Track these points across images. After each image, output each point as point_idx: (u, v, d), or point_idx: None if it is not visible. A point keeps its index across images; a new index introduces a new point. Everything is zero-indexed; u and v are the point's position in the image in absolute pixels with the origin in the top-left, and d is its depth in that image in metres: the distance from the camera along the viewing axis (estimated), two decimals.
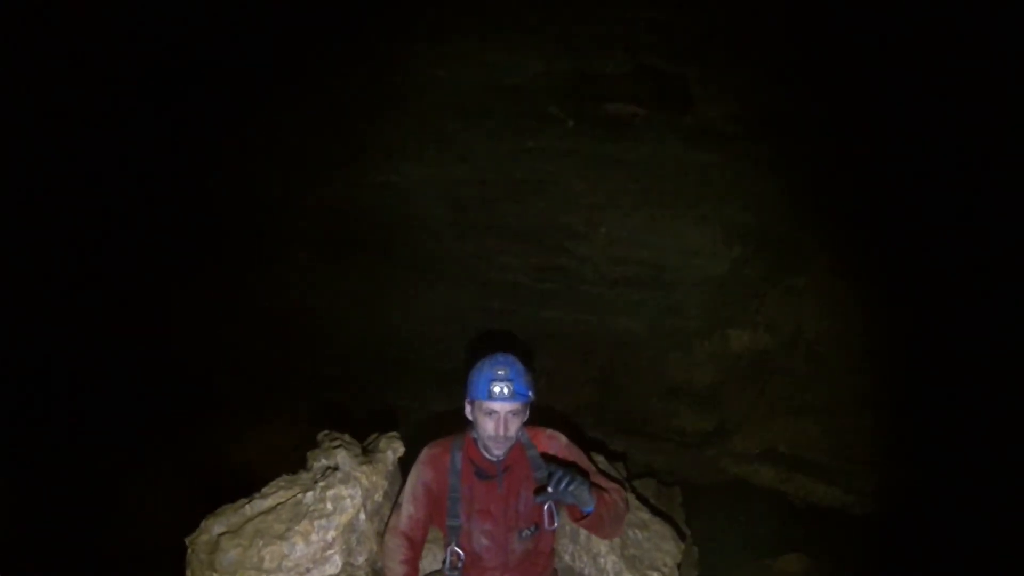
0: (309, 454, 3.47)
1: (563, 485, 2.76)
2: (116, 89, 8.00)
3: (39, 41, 7.53)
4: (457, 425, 3.25)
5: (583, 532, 3.58)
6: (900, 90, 6.65)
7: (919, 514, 5.92)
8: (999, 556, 5.00)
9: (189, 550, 3.05)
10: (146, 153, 8.20)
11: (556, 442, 3.19)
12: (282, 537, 2.96)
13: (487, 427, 2.97)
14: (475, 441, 3.10)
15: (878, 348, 6.65)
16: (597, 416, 7.41)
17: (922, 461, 6.11)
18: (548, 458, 3.12)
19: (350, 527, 3.15)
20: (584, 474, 3.02)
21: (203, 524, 3.10)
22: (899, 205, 6.65)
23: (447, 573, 3.14)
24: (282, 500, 3.14)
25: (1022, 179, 6.02)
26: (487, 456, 3.06)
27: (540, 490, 2.85)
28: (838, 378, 6.75)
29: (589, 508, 2.92)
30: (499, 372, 2.93)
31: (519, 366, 3.00)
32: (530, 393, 2.98)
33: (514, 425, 2.98)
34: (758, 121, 7.24)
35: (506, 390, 2.90)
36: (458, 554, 3.11)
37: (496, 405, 2.93)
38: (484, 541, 3.10)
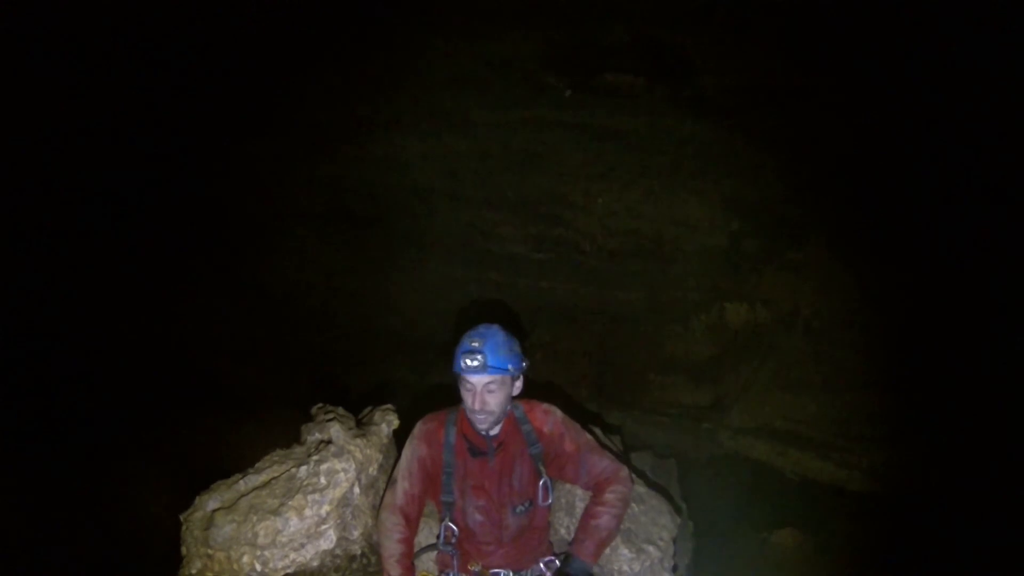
0: (303, 428, 3.45)
1: None
2: (116, 69, 7.93)
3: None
4: (453, 398, 3.21)
5: (579, 506, 3.54)
6: (902, 66, 6.59)
7: (913, 491, 5.93)
8: (993, 534, 5.02)
9: (184, 527, 3.04)
10: (144, 132, 8.13)
11: (551, 417, 3.12)
12: (276, 512, 2.94)
13: (467, 401, 2.90)
14: (468, 416, 3.05)
15: (875, 325, 6.64)
16: (594, 388, 7.40)
17: (917, 439, 6.11)
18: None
19: (344, 501, 3.14)
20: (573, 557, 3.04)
21: (197, 500, 3.09)
22: (899, 184, 6.61)
23: (441, 548, 3.12)
24: (276, 475, 3.11)
25: (1020, 157, 5.98)
26: (478, 431, 3.02)
27: None
28: (835, 355, 6.74)
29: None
30: (473, 344, 2.83)
31: (498, 338, 2.90)
32: (509, 366, 2.87)
33: (493, 399, 2.89)
34: (758, 94, 7.17)
35: (476, 362, 2.80)
36: (452, 529, 3.08)
37: (472, 378, 2.84)
38: (478, 517, 3.07)
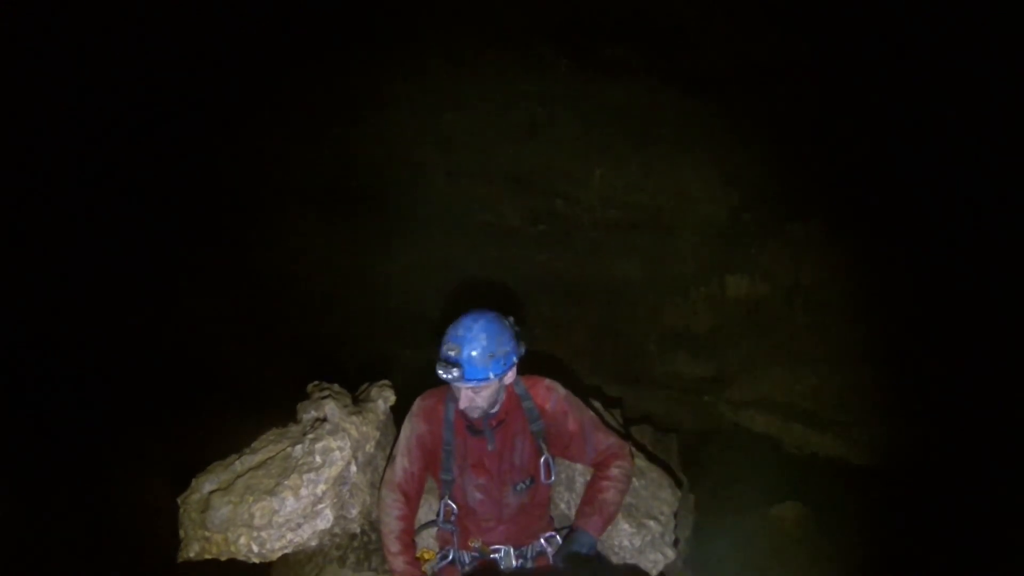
0: (299, 406, 3.40)
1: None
2: (105, 45, 7.83)
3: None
4: None
5: (579, 481, 3.52)
6: (904, 40, 6.52)
7: (914, 466, 5.92)
8: (993, 509, 5.01)
9: (181, 509, 3.01)
10: (137, 112, 8.04)
11: (554, 394, 3.06)
12: (271, 492, 2.91)
13: (457, 396, 2.86)
14: None
15: (876, 299, 6.59)
16: (594, 362, 7.37)
17: (918, 413, 6.09)
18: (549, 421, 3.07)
19: (340, 479, 3.10)
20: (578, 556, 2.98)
21: (194, 483, 3.06)
22: (901, 158, 6.55)
23: (441, 526, 3.11)
24: (271, 454, 3.08)
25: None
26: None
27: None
28: (836, 328, 6.71)
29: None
30: (449, 353, 2.73)
31: (479, 340, 2.76)
32: (490, 374, 2.75)
33: (480, 398, 2.82)
34: (758, 67, 7.10)
35: (452, 375, 2.71)
36: (451, 507, 3.07)
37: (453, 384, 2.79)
38: (478, 495, 3.04)
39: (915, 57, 6.44)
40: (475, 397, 2.82)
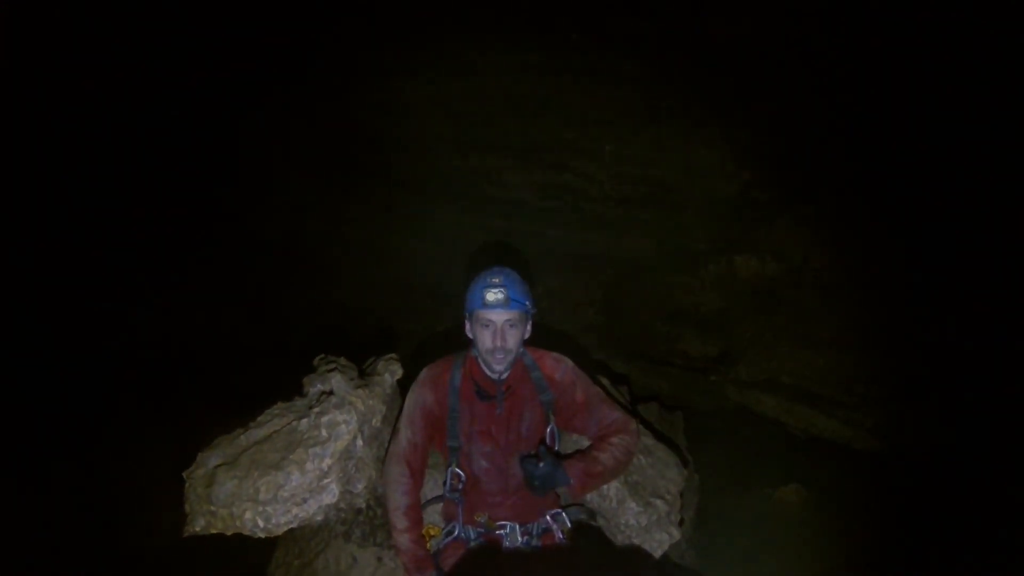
0: (305, 379, 3.40)
1: (537, 480, 2.86)
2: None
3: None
4: (458, 345, 3.20)
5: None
6: (917, 17, 6.42)
7: (918, 452, 5.89)
8: (997, 496, 5.00)
9: (187, 484, 3.00)
10: (141, 81, 7.99)
11: (563, 365, 3.12)
12: (277, 467, 2.90)
13: (484, 340, 2.91)
14: (477, 359, 3.02)
15: (885, 282, 6.53)
16: (601, 338, 7.36)
17: (924, 399, 6.04)
18: (551, 381, 3.08)
19: (346, 454, 3.09)
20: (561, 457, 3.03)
21: (199, 457, 3.05)
22: (913, 139, 6.46)
23: (448, 496, 3.11)
24: (277, 428, 3.07)
25: None
26: (489, 374, 3.00)
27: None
28: (844, 310, 6.63)
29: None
30: (493, 280, 2.86)
31: (515, 276, 2.94)
32: (527, 303, 2.92)
33: (512, 337, 2.90)
34: (772, 41, 6.99)
35: (500, 296, 2.83)
36: (459, 475, 3.08)
37: (492, 314, 2.86)
38: (483, 463, 3.06)
39: (931, 36, 6.35)
40: (508, 337, 2.89)
